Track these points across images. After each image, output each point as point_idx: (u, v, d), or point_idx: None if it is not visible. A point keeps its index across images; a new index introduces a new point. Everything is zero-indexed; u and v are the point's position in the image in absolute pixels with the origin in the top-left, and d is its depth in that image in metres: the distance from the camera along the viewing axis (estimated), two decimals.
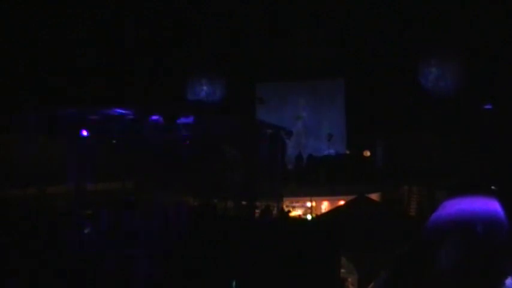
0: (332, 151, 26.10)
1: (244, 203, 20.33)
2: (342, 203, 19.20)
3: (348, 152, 26.40)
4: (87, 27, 25.02)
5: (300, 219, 20.19)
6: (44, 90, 22.86)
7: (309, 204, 21.77)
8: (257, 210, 19.17)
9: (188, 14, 26.17)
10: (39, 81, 23.19)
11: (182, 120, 20.57)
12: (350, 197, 17.80)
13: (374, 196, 19.90)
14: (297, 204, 21.85)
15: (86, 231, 15.12)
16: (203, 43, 26.09)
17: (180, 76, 26.34)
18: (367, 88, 25.02)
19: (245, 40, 25.92)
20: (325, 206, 21.94)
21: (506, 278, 4.60)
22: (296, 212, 21.38)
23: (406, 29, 23.86)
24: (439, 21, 23.68)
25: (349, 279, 10.66)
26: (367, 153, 25.21)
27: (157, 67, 25.69)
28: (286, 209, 20.79)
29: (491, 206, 5.06)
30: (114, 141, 22.17)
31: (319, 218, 18.60)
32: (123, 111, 20.22)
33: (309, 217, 20.45)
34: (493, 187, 15.94)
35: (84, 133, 20.93)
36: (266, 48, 26.11)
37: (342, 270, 10.45)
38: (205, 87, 26.41)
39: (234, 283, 8.19)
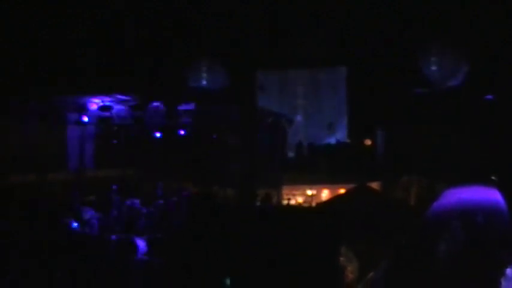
0: (333, 140, 26.08)
1: (244, 190, 20.37)
2: (342, 191, 19.20)
3: (348, 140, 26.38)
4: (87, 17, 24.93)
5: (299, 208, 20.21)
6: (43, 83, 22.86)
7: (309, 192, 21.79)
8: (257, 198, 19.21)
9: (189, 3, 26.06)
10: (38, 76, 23.17)
11: (183, 107, 20.57)
12: (350, 186, 17.79)
13: (374, 185, 19.90)
14: (296, 193, 21.88)
15: (86, 217, 15.18)
16: (204, 31, 25.99)
17: (181, 63, 26.26)
18: (369, 77, 24.95)
19: (246, 28, 25.82)
20: (325, 195, 21.95)
21: (506, 267, 4.60)
22: (296, 200, 21.42)
23: (410, 18, 23.76)
24: (440, 9, 23.58)
25: (349, 268, 10.64)
26: (368, 142, 25.19)
27: (158, 55, 25.61)
28: (286, 197, 20.83)
29: (492, 195, 5.04)
30: (115, 128, 22.20)
31: (319, 206, 18.60)
32: (124, 98, 20.23)
33: (308, 205, 20.47)
34: (493, 177, 15.94)
35: (85, 119, 20.96)
36: (267, 36, 26.01)
37: (342, 259, 10.44)
38: (206, 75, 26.33)
39: (227, 281, 8.18)
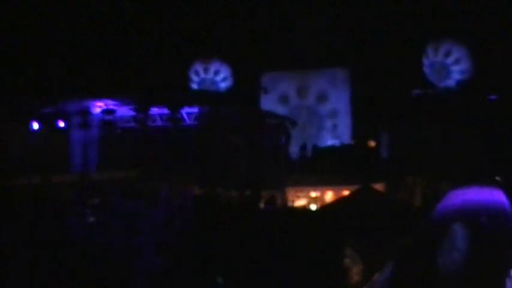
0: (337, 141, 26.06)
1: (248, 192, 20.36)
2: (346, 193, 19.17)
3: (352, 142, 26.37)
4: (89, 18, 25.00)
5: (303, 209, 20.19)
6: (46, 83, 22.90)
7: (313, 194, 21.75)
8: (261, 200, 19.19)
9: (194, 5, 26.11)
10: (41, 75, 23.21)
11: (187, 110, 20.56)
12: (354, 187, 17.77)
13: (378, 186, 19.87)
14: (301, 194, 21.83)
15: (90, 220, 15.16)
16: (208, 33, 26.03)
17: (184, 66, 26.33)
18: (372, 78, 24.96)
19: (249, 30, 25.85)
20: (329, 196, 21.92)
21: (511, 268, 4.59)
22: (300, 202, 21.37)
23: (410, 19, 23.77)
24: (444, 11, 23.58)
25: (354, 269, 10.65)
26: (372, 144, 25.16)
27: (162, 57, 25.65)
28: (290, 199, 20.79)
29: (497, 196, 5.02)
30: (119, 131, 22.21)
31: (324, 208, 18.59)
32: (129, 101, 20.24)
33: (313, 207, 20.44)
34: (497, 178, 15.91)
35: (89, 122, 20.97)
36: (270, 38, 26.04)
37: (347, 261, 10.44)
38: (209, 77, 26.37)
39: (220, 279, 8.20)
